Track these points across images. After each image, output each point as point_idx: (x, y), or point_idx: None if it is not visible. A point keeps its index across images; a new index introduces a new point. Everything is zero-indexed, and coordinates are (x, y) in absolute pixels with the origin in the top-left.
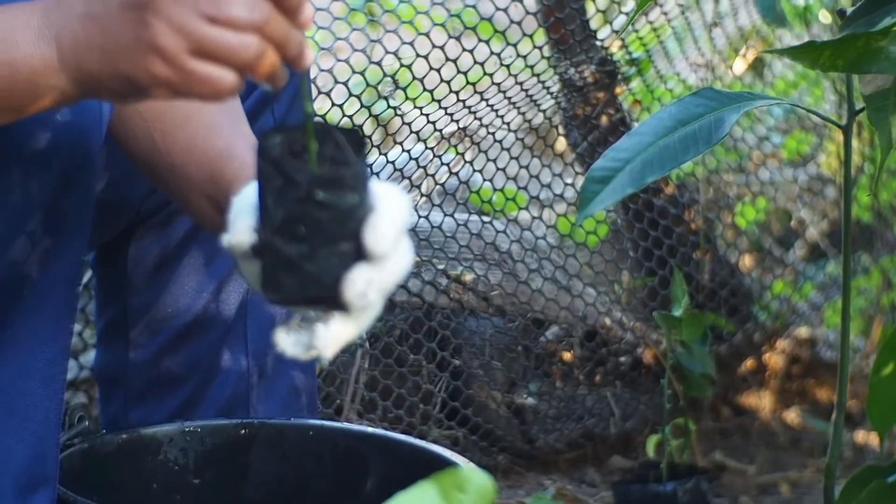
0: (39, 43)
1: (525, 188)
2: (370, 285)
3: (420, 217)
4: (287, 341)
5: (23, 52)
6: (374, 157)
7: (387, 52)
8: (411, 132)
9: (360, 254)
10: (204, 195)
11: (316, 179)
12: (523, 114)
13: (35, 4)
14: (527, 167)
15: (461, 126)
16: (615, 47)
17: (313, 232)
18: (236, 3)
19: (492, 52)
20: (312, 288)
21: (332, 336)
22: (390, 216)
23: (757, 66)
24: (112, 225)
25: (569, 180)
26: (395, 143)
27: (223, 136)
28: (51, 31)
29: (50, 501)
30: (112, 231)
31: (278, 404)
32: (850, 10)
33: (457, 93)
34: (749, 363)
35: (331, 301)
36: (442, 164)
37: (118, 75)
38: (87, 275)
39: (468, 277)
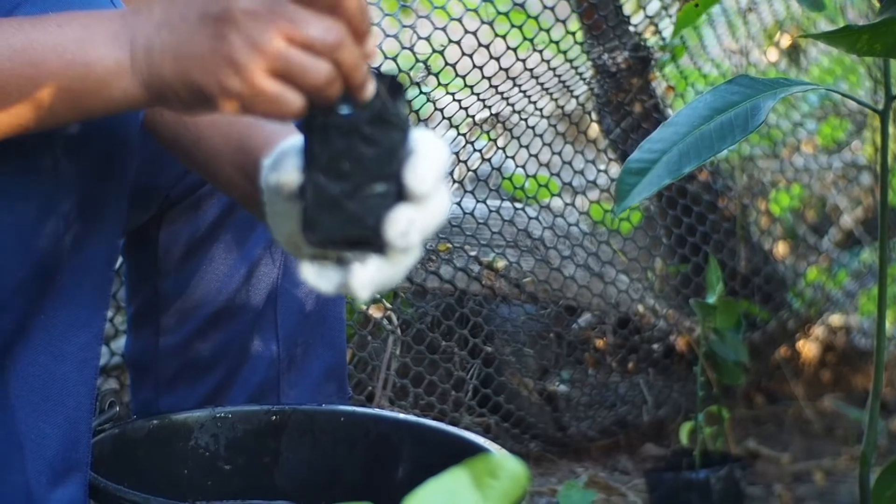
0: (115, 46)
1: (558, 175)
2: (411, 225)
3: (452, 203)
4: (312, 273)
5: (98, 53)
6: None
7: (419, 38)
8: (444, 118)
9: (400, 195)
10: (233, 165)
11: (362, 114)
12: (556, 100)
13: (116, 11)
14: (559, 153)
15: (494, 112)
16: (648, 33)
17: (357, 168)
18: (314, 24)
19: (525, 38)
20: (354, 227)
21: (368, 276)
22: (431, 158)
23: (792, 53)
24: (142, 210)
25: (602, 167)
26: (428, 129)
27: None
28: (127, 34)
29: (82, 487)
30: (142, 216)
31: (309, 390)
32: None
33: (489, 79)
34: (783, 351)
35: (371, 242)
36: (474, 150)
37: (190, 84)
38: (118, 261)
39: (500, 264)
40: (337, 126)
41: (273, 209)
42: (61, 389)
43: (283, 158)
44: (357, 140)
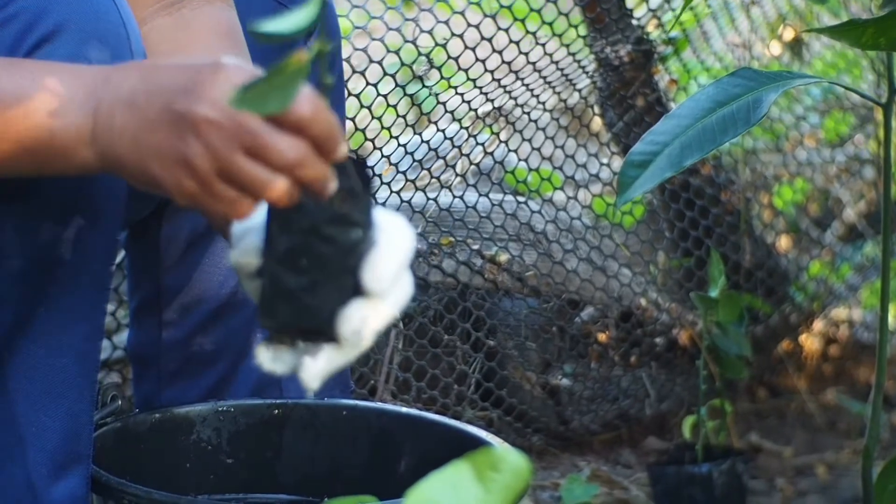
0: (79, 113)
1: (560, 168)
2: (365, 322)
3: (455, 197)
4: (267, 357)
5: (62, 122)
6: (407, 138)
7: (422, 31)
8: (446, 112)
9: (357, 289)
10: None
11: (323, 213)
12: (559, 93)
13: (89, 71)
14: (562, 147)
15: (496, 106)
16: (651, 26)
17: (314, 265)
18: (274, 143)
19: (527, 31)
20: (308, 320)
21: (318, 369)
22: (391, 253)
23: (794, 47)
24: (144, 203)
25: (604, 160)
26: (430, 122)
27: None
28: (92, 103)
29: (84, 479)
30: (144, 209)
31: None
32: None
33: (492, 72)
34: (785, 344)
35: (324, 333)
36: (477, 143)
37: (144, 172)
38: (120, 255)
39: (503, 258)
40: (296, 222)
41: (239, 278)
42: (62, 382)
43: (245, 235)
44: (316, 239)
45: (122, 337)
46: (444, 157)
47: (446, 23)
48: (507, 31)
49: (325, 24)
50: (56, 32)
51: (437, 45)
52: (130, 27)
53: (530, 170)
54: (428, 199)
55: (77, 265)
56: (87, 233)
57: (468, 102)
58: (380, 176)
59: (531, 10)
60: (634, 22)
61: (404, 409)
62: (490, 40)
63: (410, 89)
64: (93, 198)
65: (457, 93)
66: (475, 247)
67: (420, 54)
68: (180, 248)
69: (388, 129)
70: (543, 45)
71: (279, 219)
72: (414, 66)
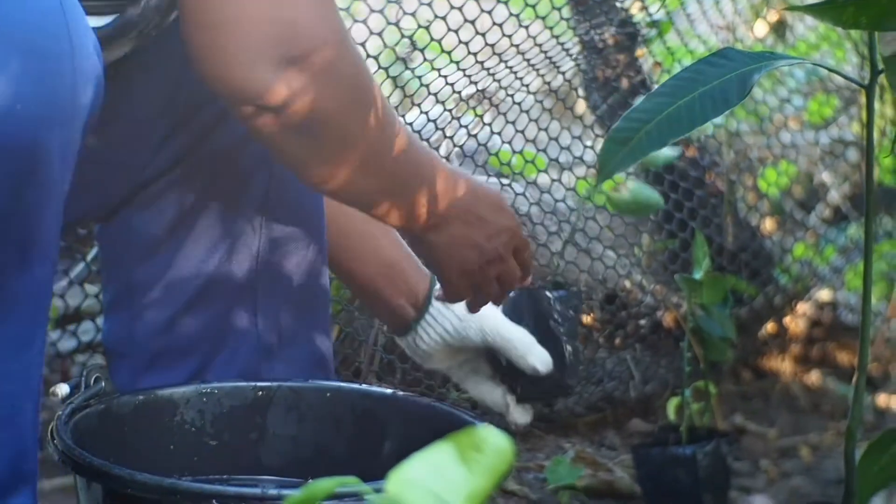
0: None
1: (544, 151)
2: None
3: None
4: (520, 413)
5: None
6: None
7: (405, 14)
8: (430, 94)
9: None
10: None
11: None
12: (543, 76)
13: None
14: (546, 130)
15: (480, 88)
16: (635, 9)
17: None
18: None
19: (511, 14)
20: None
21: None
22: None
23: (778, 29)
24: (113, 189)
25: (588, 143)
26: (414, 105)
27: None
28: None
29: (31, 499)
30: (114, 196)
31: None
32: None
33: (475, 54)
34: (770, 326)
35: (565, 389)
36: (461, 126)
37: (450, 251)
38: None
39: None
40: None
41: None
42: (9, 407)
43: (533, 345)
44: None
45: None
46: (427, 140)
47: (430, 5)
48: (490, 13)
49: None
50: None
51: (420, 27)
52: (77, 40)
53: (514, 152)
54: None
55: (17, 294)
56: (27, 260)
57: (452, 85)
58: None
59: None
60: (618, 4)
61: (388, 391)
62: (473, 23)
63: (394, 72)
64: (28, 234)
65: (440, 75)
66: None
67: (403, 37)
68: (152, 239)
69: None
70: (527, 27)
71: (571, 342)
72: (397, 49)
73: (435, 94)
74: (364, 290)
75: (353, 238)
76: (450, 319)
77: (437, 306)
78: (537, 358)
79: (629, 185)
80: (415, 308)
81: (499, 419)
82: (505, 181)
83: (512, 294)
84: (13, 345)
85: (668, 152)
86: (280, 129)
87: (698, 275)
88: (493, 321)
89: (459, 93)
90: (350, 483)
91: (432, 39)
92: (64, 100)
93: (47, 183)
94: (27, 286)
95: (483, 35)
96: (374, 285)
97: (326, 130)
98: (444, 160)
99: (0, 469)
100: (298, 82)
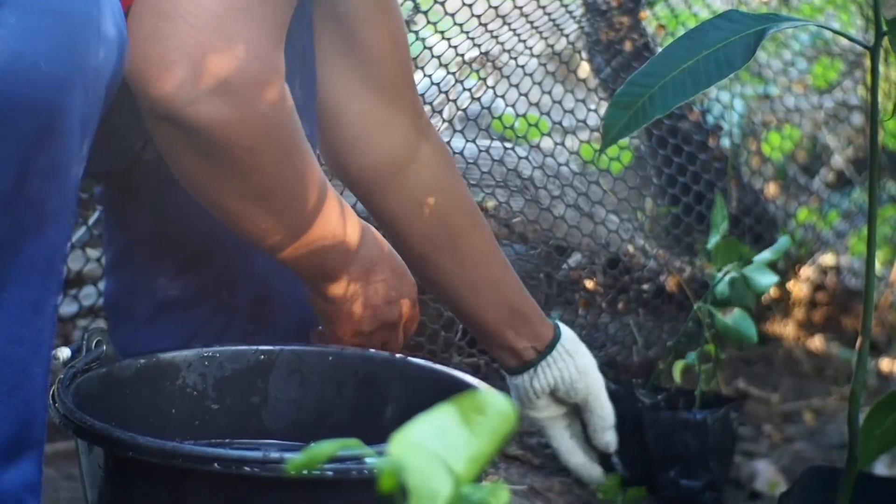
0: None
1: (548, 114)
2: None
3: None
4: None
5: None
6: None
7: None
8: (433, 57)
9: None
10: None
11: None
12: (546, 39)
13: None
14: (550, 93)
15: (483, 51)
16: None
17: None
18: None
19: None
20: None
21: None
22: None
23: None
24: (115, 158)
25: (592, 106)
26: (417, 68)
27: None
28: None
29: (37, 465)
30: (116, 163)
31: (288, 335)
32: None
33: (479, 17)
34: (773, 291)
35: None
36: (464, 89)
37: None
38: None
39: (490, 204)
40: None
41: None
42: (18, 373)
43: (608, 429)
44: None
45: None
46: (430, 103)
47: None
48: None
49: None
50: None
51: None
52: (106, 6)
53: (517, 116)
54: None
55: (32, 258)
56: (43, 223)
57: (455, 48)
58: None
59: None
60: None
61: (390, 354)
62: None
63: None
64: (46, 197)
65: (444, 38)
66: None
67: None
68: (151, 199)
69: None
70: None
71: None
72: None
73: (438, 58)
74: (488, 334)
75: (481, 287)
76: (569, 367)
77: (560, 351)
78: (613, 437)
79: (734, 312)
80: (536, 351)
81: (501, 384)
82: (508, 145)
83: None
84: (26, 310)
85: (770, 280)
86: (184, 148)
87: (715, 238)
88: (598, 385)
89: (463, 56)
90: (352, 446)
91: (436, 2)
92: (88, 64)
93: (67, 146)
94: (42, 250)
95: None
96: (499, 330)
97: (233, 164)
98: (360, 220)
99: (8, 434)
100: (220, 112)
